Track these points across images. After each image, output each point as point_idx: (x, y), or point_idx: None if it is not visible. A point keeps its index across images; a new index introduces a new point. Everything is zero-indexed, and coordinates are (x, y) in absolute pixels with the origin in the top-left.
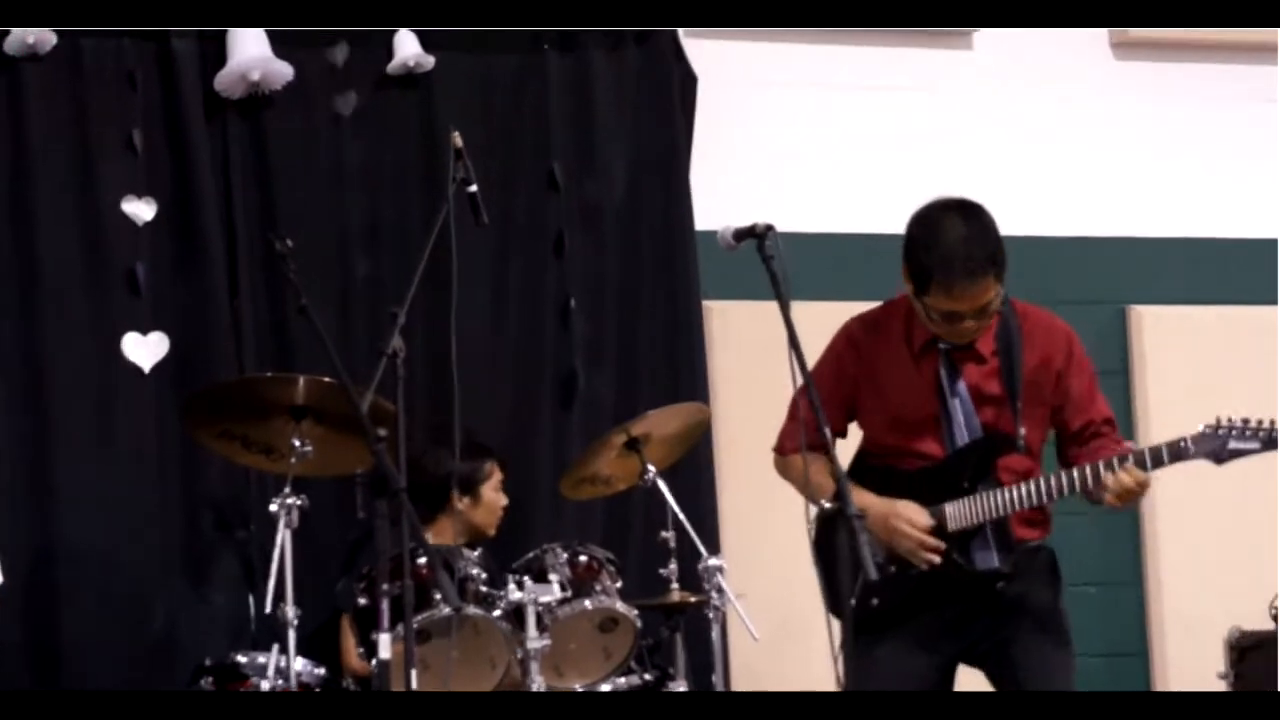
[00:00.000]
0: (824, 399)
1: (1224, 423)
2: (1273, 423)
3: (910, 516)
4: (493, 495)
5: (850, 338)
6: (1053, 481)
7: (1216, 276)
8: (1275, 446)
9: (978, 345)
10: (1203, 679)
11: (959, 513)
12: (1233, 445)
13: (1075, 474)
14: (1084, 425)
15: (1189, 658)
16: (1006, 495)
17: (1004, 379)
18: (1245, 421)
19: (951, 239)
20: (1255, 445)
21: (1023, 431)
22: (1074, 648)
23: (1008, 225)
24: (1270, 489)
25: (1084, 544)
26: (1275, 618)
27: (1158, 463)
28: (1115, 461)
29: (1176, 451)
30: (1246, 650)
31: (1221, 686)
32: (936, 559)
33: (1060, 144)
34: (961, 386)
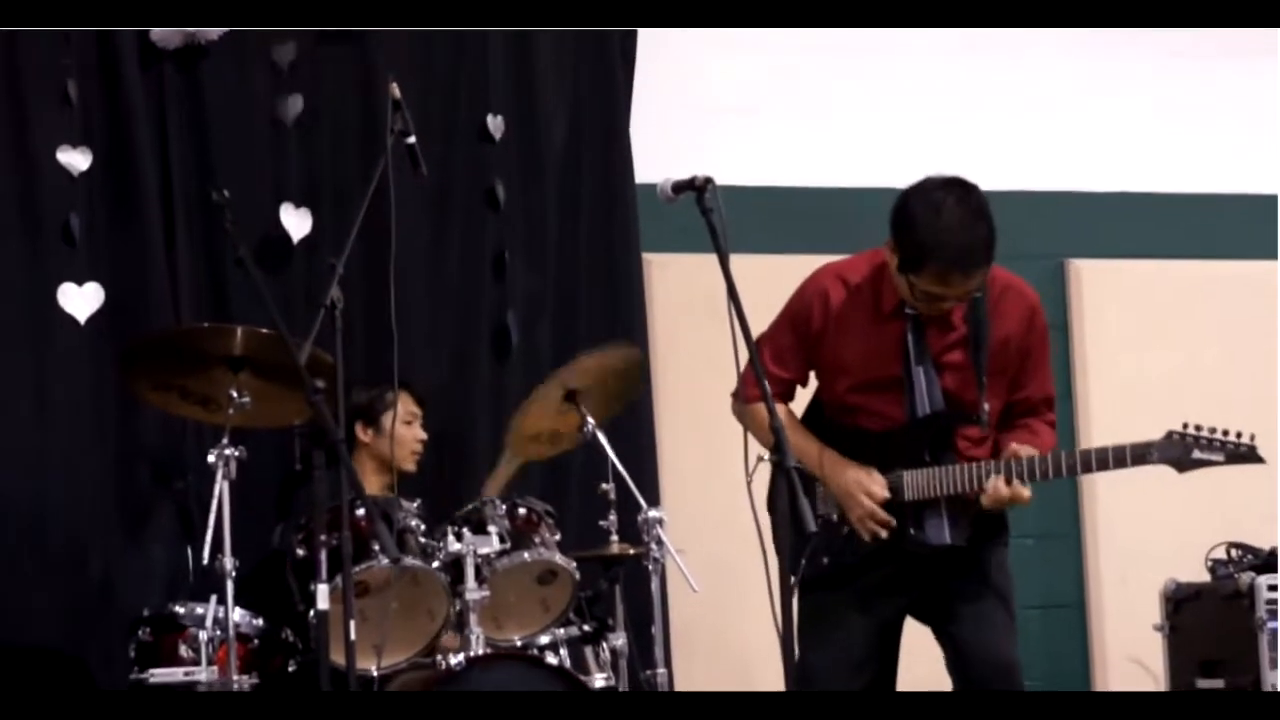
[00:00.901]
0: (786, 347)
1: (1190, 430)
2: (1239, 436)
3: (869, 489)
4: (400, 428)
5: (821, 291)
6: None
7: (1154, 231)
8: (1239, 460)
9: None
10: (1139, 630)
11: (916, 482)
12: (1196, 455)
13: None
14: (1020, 400)
15: (1125, 609)
16: (966, 473)
17: (970, 351)
18: (1212, 431)
19: (950, 224)
20: (1219, 458)
21: (985, 407)
22: (1014, 604)
23: None
24: None
25: None
26: (1211, 570)
27: (1120, 464)
28: (1024, 465)
29: (1139, 455)
30: (1182, 602)
31: (1157, 638)
32: (884, 534)
33: (999, 99)
34: (927, 353)
